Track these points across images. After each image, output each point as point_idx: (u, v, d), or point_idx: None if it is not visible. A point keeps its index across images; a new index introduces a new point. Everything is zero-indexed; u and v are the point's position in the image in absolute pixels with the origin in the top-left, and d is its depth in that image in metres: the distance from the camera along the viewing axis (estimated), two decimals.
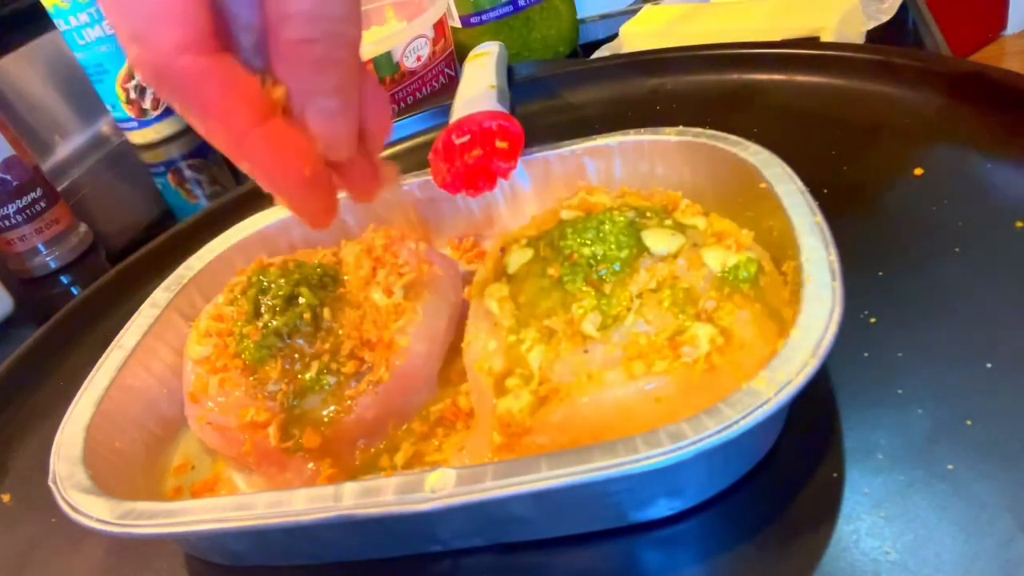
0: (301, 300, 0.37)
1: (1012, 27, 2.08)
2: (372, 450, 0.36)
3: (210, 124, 0.25)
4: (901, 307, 0.35)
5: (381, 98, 0.29)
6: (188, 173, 0.90)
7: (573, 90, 0.63)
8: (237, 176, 0.88)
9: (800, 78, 0.54)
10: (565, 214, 0.37)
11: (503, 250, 0.37)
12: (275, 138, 0.25)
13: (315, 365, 0.35)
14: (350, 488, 0.28)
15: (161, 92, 0.25)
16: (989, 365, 0.31)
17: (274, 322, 0.36)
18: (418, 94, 0.73)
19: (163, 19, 0.23)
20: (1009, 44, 2.07)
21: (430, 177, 0.45)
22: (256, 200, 0.62)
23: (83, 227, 0.76)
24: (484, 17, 0.76)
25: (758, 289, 0.32)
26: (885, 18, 0.61)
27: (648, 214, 0.36)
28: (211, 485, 0.38)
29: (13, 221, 0.70)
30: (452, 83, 0.72)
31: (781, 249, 0.34)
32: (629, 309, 0.31)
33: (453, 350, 0.39)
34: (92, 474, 0.32)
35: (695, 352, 0.29)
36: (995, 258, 0.35)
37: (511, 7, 0.75)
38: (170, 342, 0.42)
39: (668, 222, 0.35)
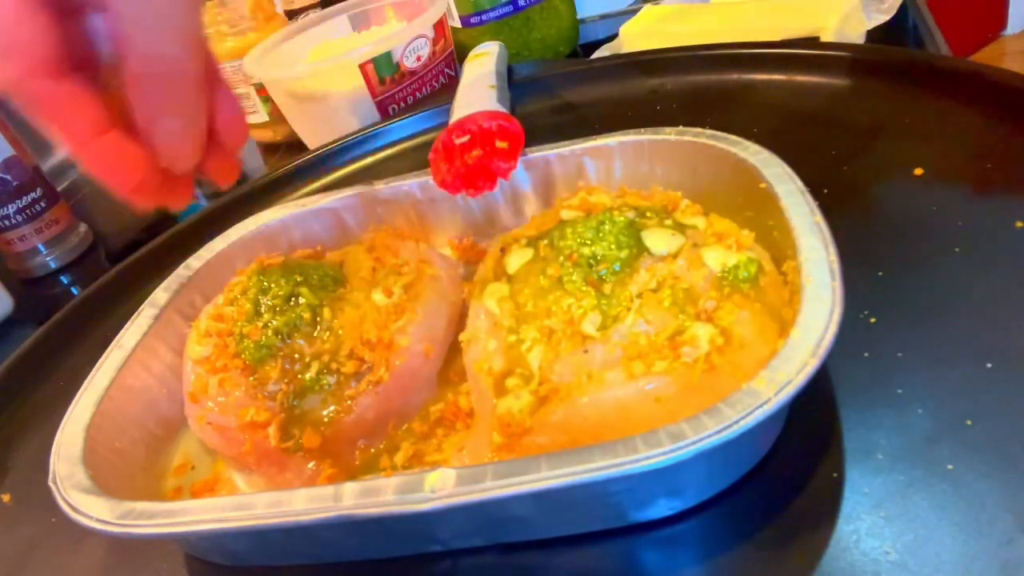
0: (301, 300, 0.37)
1: (1012, 27, 2.08)
2: (372, 450, 0.36)
3: (54, 133, 0.29)
4: (901, 307, 0.35)
5: (234, 104, 0.33)
6: None
7: (573, 90, 0.63)
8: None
9: (800, 78, 0.54)
10: (565, 214, 0.37)
11: (503, 250, 0.37)
12: (110, 150, 0.29)
13: (315, 365, 0.36)
14: (350, 488, 0.28)
15: (14, 102, 0.28)
16: (989, 365, 0.31)
17: (274, 322, 0.36)
18: (418, 94, 0.73)
19: (15, 47, 0.27)
20: (1009, 44, 2.07)
21: (430, 177, 0.45)
22: (256, 200, 0.62)
23: (83, 227, 0.76)
24: (484, 17, 0.76)
25: (758, 289, 0.32)
26: (885, 18, 0.61)
27: (648, 214, 0.36)
28: (211, 485, 0.38)
29: (13, 221, 0.70)
30: (452, 83, 0.72)
31: (781, 249, 0.34)
32: (629, 309, 0.31)
33: (453, 350, 0.39)
34: (92, 474, 0.32)
35: (695, 352, 0.29)
36: (995, 258, 0.35)
37: (511, 7, 0.75)
38: (170, 342, 0.42)
39: (668, 222, 0.35)
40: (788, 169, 0.36)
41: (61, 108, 0.28)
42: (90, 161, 0.30)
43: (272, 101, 0.80)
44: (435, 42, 0.72)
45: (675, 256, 0.33)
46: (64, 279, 0.73)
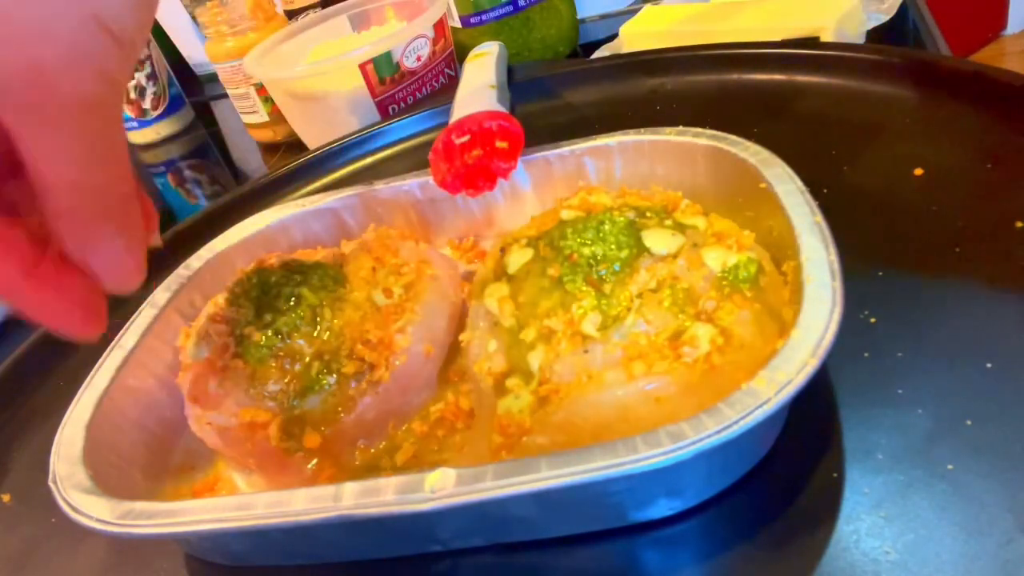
0: (301, 300, 0.37)
1: (1012, 27, 2.08)
2: (372, 450, 0.36)
3: None
4: (901, 307, 0.35)
5: (144, 203, 0.29)
6: (188, 173, 0.90)
7: (573, 90, 0.63)
8: (237, 176, 0.88)
9: (800, 78, 0.54)
10: (565, 214, 0.37)
11: (503, 250, 0.37)
12: (45, 284, 0.25)
13: (315, 365, 0.35)
14: (350, 488, 0.28)
15: None
16: (989, 365, 0.31)
17: (274, 322, 0.36)
18: (418, 94, 0.73)
19: None
20: (1009, 44, 2.07)
21: (430, 177, 0.45)
22: (256, 200, 0.62)
23: None
24: (484, 17, 0.76)
25: (758, 289, 0.32)
26: (885, 18, 0.61)
27: (648, 214, 0.36)
28: (211, 485, 0.38)
29: None
30: (452, 83, 0.72)
31: (781, 249, 0.34)
32: (629, 309, 0.31)
33: (453, 350, 0.39)
34: (92, 474, 0.32)
35: (695, 352, 0.29)
36: (995, 258, 0.35)
37: (511, 7, 0.75)
38: (170, 342, 0.42)
39: (668, 222, 0.35)
40: (788, 169, 0.36)
41: None
42: (27, 303, 0.25)
43: (272, 101, 0.80)
44: (435, 42, 0.72)
45: (675, 256, 0.33)
46: None
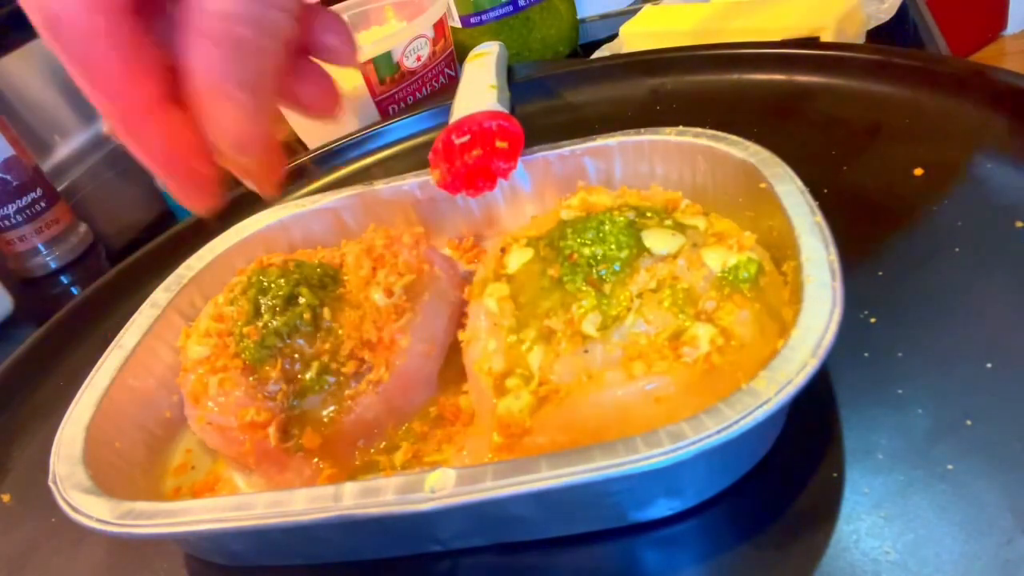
0: (301, 300, 0.37)
1: (1012, 27, 2.08)
2: (372, 450, 0.36)
3: (101, 95, 0.21)
4: (901, 307, 0.35)
5: (336, 22, 0.26)
6: None
7: (573, 90, 0.63)
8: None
9: (800, 78, 0.54)
10: (565, 214, 0.37)
11: (503, 250, 0.37)
12: (172, 127, 0.22)
13: (315, 365, 0.36)
14: (350, 488, 0.28)
15: (55, 50, 0.21)
16: (989, 365, 0.31)
17: (274, 322, 0.36)
18: (418, 94, 0.73)
19: None
20: (1009, 44, 2.07)
21: (430, 177, 0.45)
22: (256, 200, 0.62)
23: (83, 227, 0.76)
24: (484, 17, 0.76)
25: (758, 289, 0.32)
26: (885, 18, 0.61)
27: (648, 214, 0.36)
28: (211, 485, 0.38)
29: (13, 221, 0.70)
30: (452, 83, 0.72)
31: (781, 249, 0.34)
32: (629, 309, 0.31)
33: (453, 350, 0.39)
34: (92, 474, 0.32)
35: (695, 352, 0.29)
36: (995, 258, 0.35)
37: (511, 7, 0.75)
38: (170, 342, 0.42)
39: (668, 222, 0.35)
40: (788, 169, 0.36)
41: (118, 58, 0.20)
42: (144, 138, 0.22)
43: None
44: (435, 42, 0.72)
45: (675, 256, 0.33)
46: (64, 279, 0.73)
